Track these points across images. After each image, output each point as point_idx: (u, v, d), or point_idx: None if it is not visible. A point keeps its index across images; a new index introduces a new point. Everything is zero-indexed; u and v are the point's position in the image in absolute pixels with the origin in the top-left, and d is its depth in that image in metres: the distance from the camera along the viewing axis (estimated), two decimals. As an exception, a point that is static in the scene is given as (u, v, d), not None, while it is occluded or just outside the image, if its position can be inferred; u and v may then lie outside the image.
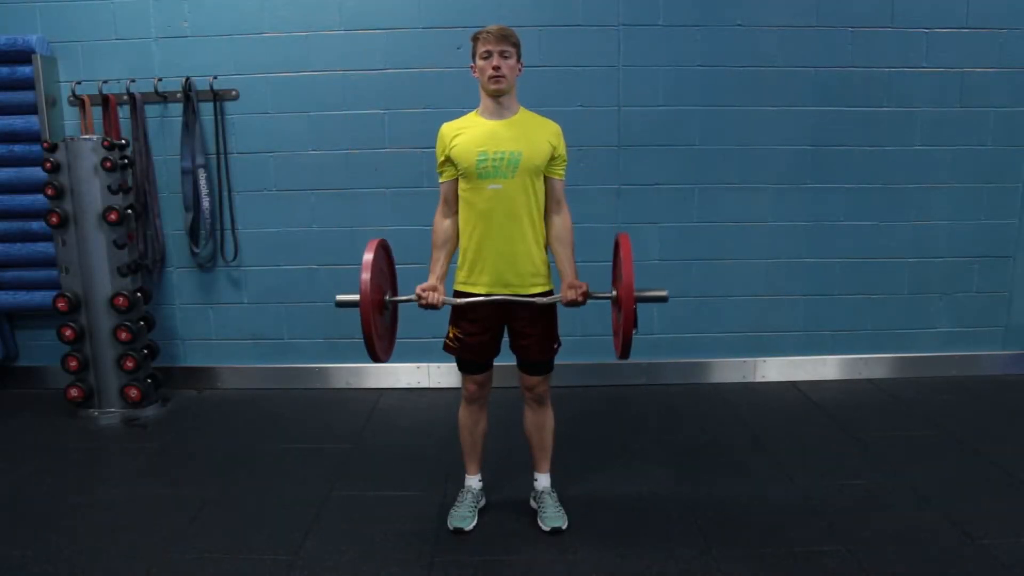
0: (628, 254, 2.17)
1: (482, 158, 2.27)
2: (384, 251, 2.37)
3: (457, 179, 2.36)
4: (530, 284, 2.36)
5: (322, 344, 4.00)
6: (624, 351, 2.23)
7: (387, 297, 2.38)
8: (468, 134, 2.30)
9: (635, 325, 2.18)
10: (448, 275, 2.44)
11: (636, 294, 2.15)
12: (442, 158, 2.36)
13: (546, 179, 2.37)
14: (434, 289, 2.33)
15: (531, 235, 2.34)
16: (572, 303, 2.32)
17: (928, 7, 3.71)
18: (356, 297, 2.17)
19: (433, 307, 2.33)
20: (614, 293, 2.34)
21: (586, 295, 2.31)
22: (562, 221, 2.41)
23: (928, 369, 4.05)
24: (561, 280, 2.39)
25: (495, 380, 2.52)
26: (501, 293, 2.34)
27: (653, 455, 3.09)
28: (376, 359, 2.29)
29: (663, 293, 2.28)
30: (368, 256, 2.21)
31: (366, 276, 2.18)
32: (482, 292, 2.35)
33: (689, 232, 3.88)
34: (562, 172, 2.40)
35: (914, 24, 3.72)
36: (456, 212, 2.40)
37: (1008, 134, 3.85)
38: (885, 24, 3.73)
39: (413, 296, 2.34)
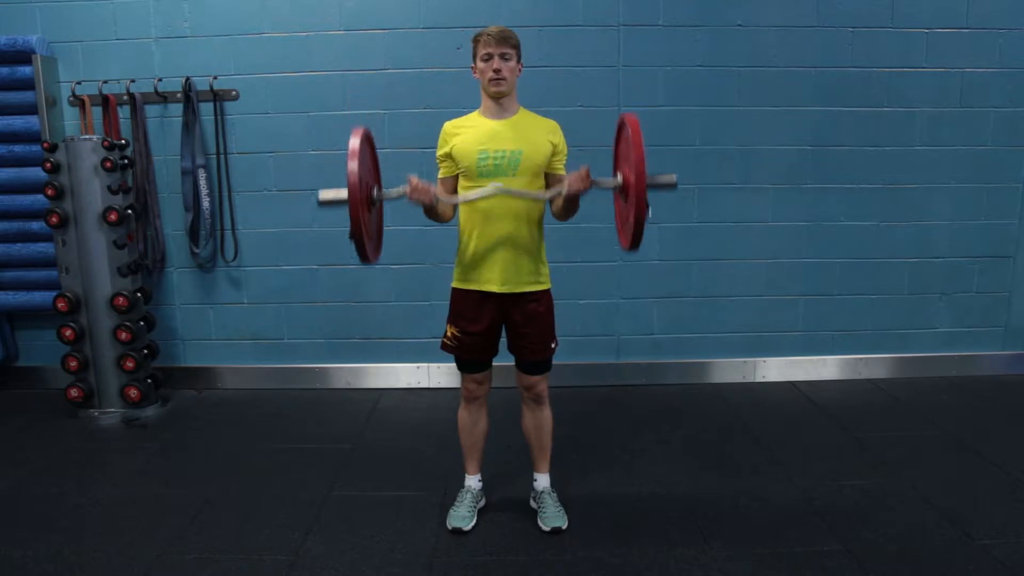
0: (638, 138, 1.98)
1: (483, 156, 2.28)
2: (369, 142, 2.16)
3: (456, 176, 2.37)
4: (529, 282, 2.36)
5: (322, 344, 4.00)
6: (636, 240, 2.04)
7: (375, 192, 2.16)
8: (470, 133, 2.32)
9: (647, 209, 1.97)
10: (446, 274, 2.43)
11: (648, 179, 1.96)
12: (442, 152, 2.37)
13: (549, 174, 2.38)
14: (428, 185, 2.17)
15: (531, 234, 2.34)
16: (576, 181, 2.14)
17: (928, 7, 3.71)
18: (343, 194, 1.95)
19: (426, 196, 2.16)
20: (620, 178, 2.14)
21: (589, 176, 2.13)
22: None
23: (928, 369, 4.05)
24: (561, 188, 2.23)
25: (494, 380, 2.52)
26: (499, 291, 2.33)
27: (653, 455, 3.09)
28: (366, 260, 2.10)
29: (672, 179, 2.06)
30: (355, 142, 1.96)
31: (354, 165, 1.93)
32: (481, 289, 2.35)
33: (689, 232, 3.88)
34: (563, 167, 2.41)
35: (914, 24, 3.73)
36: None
37: (1008, 134, 3.85)
38: (885, 24, 3.73)
39: (404, 188, 2.12)
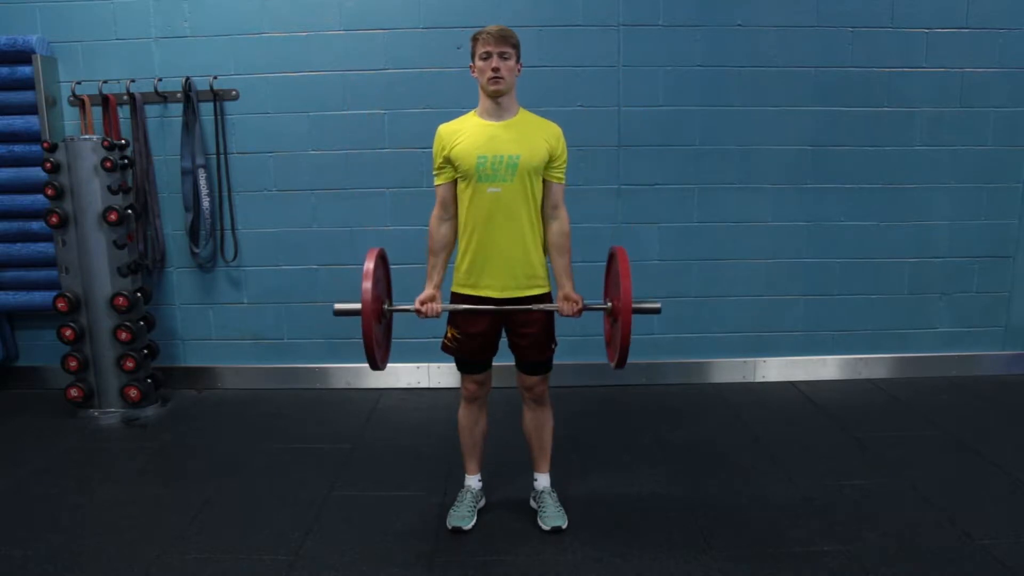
0: (626, 269, 2.20)
1: (482, 161, 2.26)
2: (382, 261, 2.37)
3: (455, 181, 2.35)
4: (528, 286, 2.36)
5: (322, 344, 4.00)
6: (622, 360, 2.27)
7: (385, 306, 2.39)
8: (467, 137, 2.30)
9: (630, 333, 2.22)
10: (447, 274, 2.43)
11: (634, 306, 2.20)
12: (440, 160, 2.34)
13: (545, 183, 2.35)
14: (432, 299, 2.36)
15: (530, 237, 2.34)
16: (566, 314, 2.35)
17: (928, 7, 3.71)
18: (357, 306, 2.19)
19: (433, 317, 2.35)
20: (609, 305, 2.37)
21: (582, 311, 2.35)
22: (559, 227, 2.38)
23: (928, 369, 4.05)
24: (558, 289, 2.39)
25: (495, 380, 2.52)
26: (499, 296, 2.34)
27: (653, 455, 3.09)
28: (376, 367, 2.31)
29: (657, 305, 2.31)
30: (369, 265, 2.21)
31: (367, 285, 2.18)
32: (480, 294, 2.35)
33: (689, 232, 3.88)
34: (561, 176, 2.38)
35: (914, 24, 3.73)
36: (453, 216, 2.39)
37: (1008, 134, 3.85)
38: (885, 24, 3.73)
39: (412, 307, 2.35)
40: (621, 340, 2.21)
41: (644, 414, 3.58)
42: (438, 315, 2.36)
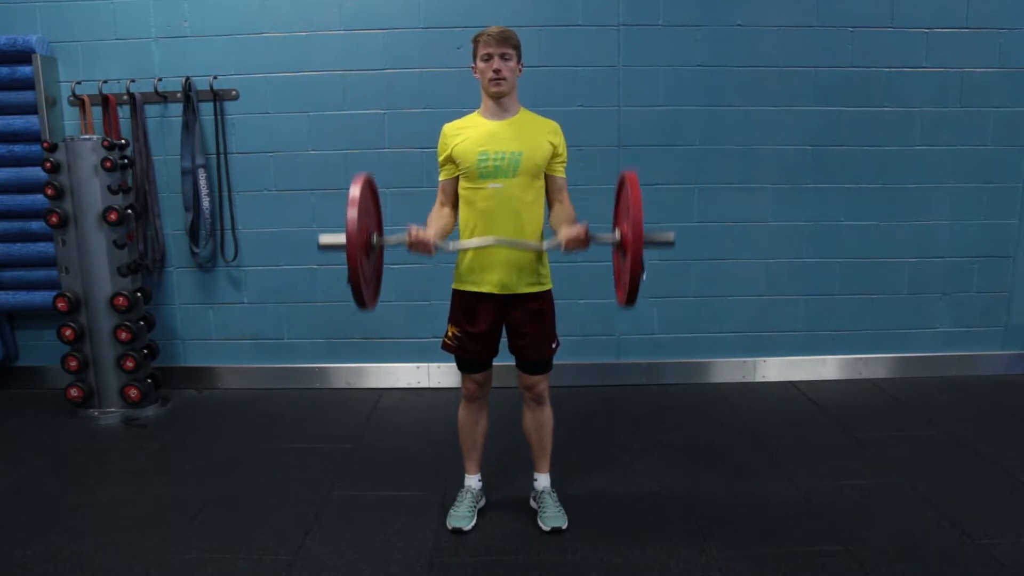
0: (637, 196, 2.00)
1: (483, 158, 2.28)
2: (370, 189, 2.16)
3: (457, 177, 2.37)
4: (530, 283, 2.36)
5: (322, 344, 4.00)
6: (631, 297, 2.06)
7: (374, 238, 2.18)
8: (470, 134, 2.32)
9: (643, 268, 2.00)
10: (446, 274, 2.43)
11: (645, 237, 1.97)
12: (443, 156, 2.37)
13: (548, 177, 2.38)
14: (425, 233, 2.16)
15: (531, 235, 2.34)
16: (573, 241, 2.15)
17: (928, 7, 3.71)
18: (342, 239, 1.96)
19: (424, 248, 2.15)
20: (618, 235, 2.15)
21: (588, 234, 2.14)
22: (564, 209, 2.39)
23: (928, 369, 4.05)
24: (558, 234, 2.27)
25: (495, 380, 2.52)
26: (500, 293, 2.34)
27: (653, 455, 3.09)
28: (363, 306, 2.09)
29: (671, 236, 2.10)
30: (355, 191, 1.97)
31: (353, 214, 1.95)
32: (481, 291, 2.35)
33: (689, 232, 3.88)
34: (563, 170, 2.41)
35: (914, 24, 3.73)
36: (453, 206, 2.40)
37: (1008, 134, 3.85)
38: (885, 24, 3.73)
39: (403, 236, 2.15)
40: (631, 272, 1.99)
41: (644, 414, 3.58)
42: (431, 247, 2.15)
